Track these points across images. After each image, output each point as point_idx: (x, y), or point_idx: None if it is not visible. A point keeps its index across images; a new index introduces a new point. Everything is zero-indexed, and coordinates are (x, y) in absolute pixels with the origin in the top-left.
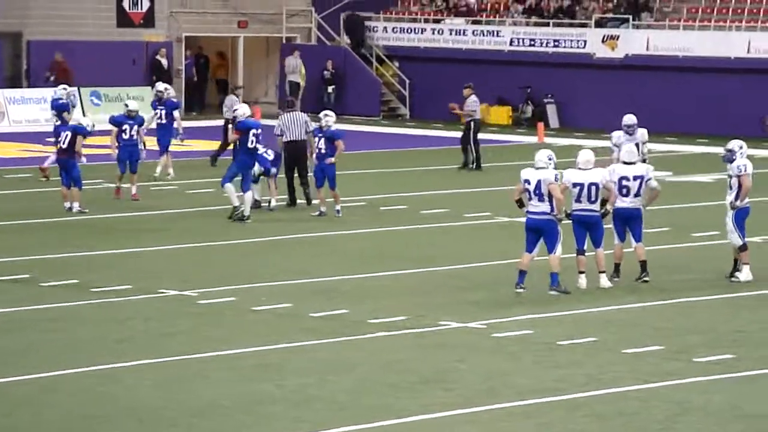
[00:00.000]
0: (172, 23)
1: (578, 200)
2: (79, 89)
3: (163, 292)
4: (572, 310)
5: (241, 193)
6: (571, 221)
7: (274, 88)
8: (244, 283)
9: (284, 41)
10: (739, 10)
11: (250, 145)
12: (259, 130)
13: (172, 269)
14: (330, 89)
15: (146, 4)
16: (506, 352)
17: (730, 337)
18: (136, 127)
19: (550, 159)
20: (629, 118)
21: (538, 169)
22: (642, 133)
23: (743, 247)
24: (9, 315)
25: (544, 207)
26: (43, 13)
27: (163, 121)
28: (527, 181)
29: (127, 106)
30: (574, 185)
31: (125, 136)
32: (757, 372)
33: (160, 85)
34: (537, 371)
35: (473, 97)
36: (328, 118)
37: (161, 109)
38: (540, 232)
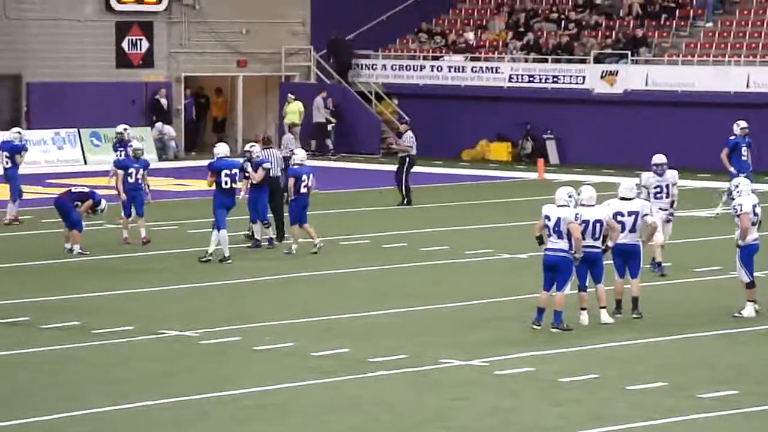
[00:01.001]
0: (171, 63)
1: (585, 237)
2: (79, 130)
3: (164, 333)
4: (574, 347)
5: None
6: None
7: (273, 127)
8: (246, 323)
9: (283, 80)
10: (737, 45)
11: (224, 186)
12: (233, 170)
13: (173, 310)
14: (329, 127)
15: (145, 45)
16: (508, 389)
17: (731, 372)
18: (141, 170)
19: (570, 197)
20: (659, 158)
21: (559, 206)
22: (672, 175)
23: (750, 285)
24: (7, 358)
25: (563, 244)
26: (43, 55)
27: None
28: (547, 218)
29: (131, 145)
30: (580, 222)
31: (131, 180)
32: (760, 408)
33: (138, 144)
34: (539, 408)
35: (410, 134)
36: (295, 156)
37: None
38: (555, 269)
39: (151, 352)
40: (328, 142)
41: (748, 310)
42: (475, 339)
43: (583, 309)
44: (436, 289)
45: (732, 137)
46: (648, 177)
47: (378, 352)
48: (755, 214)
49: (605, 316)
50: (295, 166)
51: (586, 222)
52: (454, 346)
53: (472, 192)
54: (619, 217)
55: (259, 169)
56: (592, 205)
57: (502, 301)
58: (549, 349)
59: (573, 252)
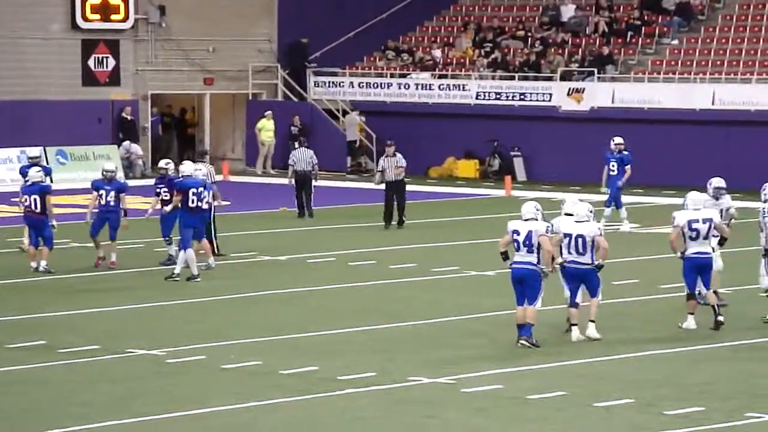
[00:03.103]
0: (137, 81)
1: (568, 251)
2: (44, 149)
3: (131, 352)
4: (541, 364)
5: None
6: (561, 273)
7: (240, 145)
8: (213, 341)
9: (250, 97)
10: (703, 62)
11: (191, 204)
12: (200, 189)
13: (140, 328)
14: (297, 145)
15: (112, 63)
16: (476, 407)
17: (697, 389)
18: (113, 192)
19: (537, 210)
20: (718, 181)
21: (526, 220)
22: (728, 199)
23: (689, 297)
24: None
25: (531, 258)
26: (8, 73)
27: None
28: (516, 232)
29: (103, 167)
30: (565, 236)
31: (102, 202)
32: (725, 425)
33: (110, 165)
34: (508, 426)
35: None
36: (198, 172)
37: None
38: (523, 282)
39: (117, 371)
40: (364, 160)
41: (688, 323)
42: (443, 356)
43: (573, 325)
44: (404, 307)
45: (608, 153)
46: (695, 200)
47: (346, 370)
48: (692, 229)
49: (592, 331)
50: (180, 179)
51: (569, 236)
52: (422, 364)
53: (440, 209)
54: (693, 224)
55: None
56: (585, 221)
57: (470, 318)
58: (517, 366)
59: (541, 266)
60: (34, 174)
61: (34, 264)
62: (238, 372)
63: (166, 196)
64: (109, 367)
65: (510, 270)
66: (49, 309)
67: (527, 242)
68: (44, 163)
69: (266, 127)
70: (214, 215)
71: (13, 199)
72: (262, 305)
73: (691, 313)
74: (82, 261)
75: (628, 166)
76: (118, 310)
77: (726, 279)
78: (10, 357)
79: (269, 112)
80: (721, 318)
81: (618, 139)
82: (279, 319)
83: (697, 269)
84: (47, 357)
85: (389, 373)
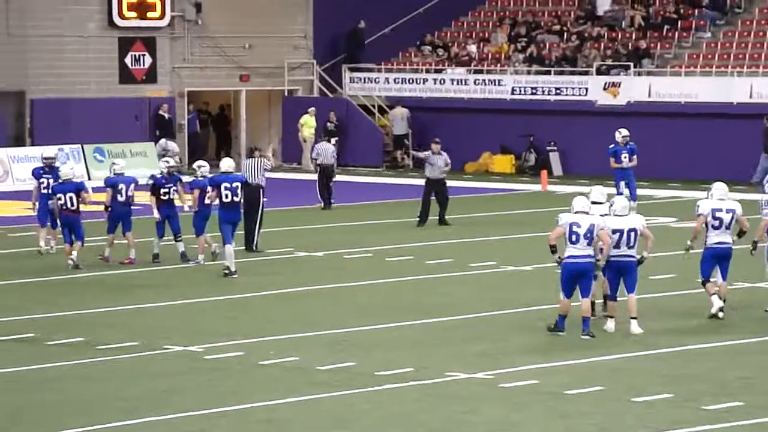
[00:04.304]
0: (174, 78)
1: (617, 246)
2: (83, 146)
3: (169, 348)
4: (579, 359)
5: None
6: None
7: (276, 140)
8: (251, 337)
9: (286, 94)
10: (740, 56)
11: (225, 200)
12: (234, 184)
13: (177, 325)
14: (333, 141)
15: (148, 61)
16: (514, 402)
17: (737, 384)
18: (132, 185)
19: (593, 203)
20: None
21: (586, 213)
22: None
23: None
24: (15, 374)
25: (590, 251)
26: (46, 71)
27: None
28: (576, 224)
29: (116, 164)
30: (614, 231)
31: (121, 197)
32: (766, 420)
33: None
34: (546, 421)
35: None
36: (203, 168)
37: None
38: (583, 275)
39: (155, 367)
40: (400, 155)
41: (713, 304)
42: (480, 352)
43: (610, 317)
44: (441, 302)
45: (611, 145)
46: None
47: (384, 366)
48: (715, 218)
49: (635, 327)
50: (201, 178)
51: (620, 231)
52: (460, 359)
53: (476, 204)
54: (717, 213)
55: (195, 189)
56: (626, 215)
57: (507, 314)
58: (554, 361)
59: (598, 258)
60: (67, 171)
61: (71, 261)
62: (275, 368)
63: (173, 195)
64: (148, 363)
65: (565, 263)
66: (87, 305)
67: (588, 235)
68: (57, 164)
69: (309, 123)
70: (262, 211)
71: (50, 202)
72: (299, 301)
73: (713, 294)
74: (118, 258)
75: (635, 156)
76: (154, 307)
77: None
78: (51, 353)
79: (312, 108)
80: (722, 314)
81: (625, 131)
82: (316, 315)
83: (717, 259)
84: (87, 353)
85: (426, 369)
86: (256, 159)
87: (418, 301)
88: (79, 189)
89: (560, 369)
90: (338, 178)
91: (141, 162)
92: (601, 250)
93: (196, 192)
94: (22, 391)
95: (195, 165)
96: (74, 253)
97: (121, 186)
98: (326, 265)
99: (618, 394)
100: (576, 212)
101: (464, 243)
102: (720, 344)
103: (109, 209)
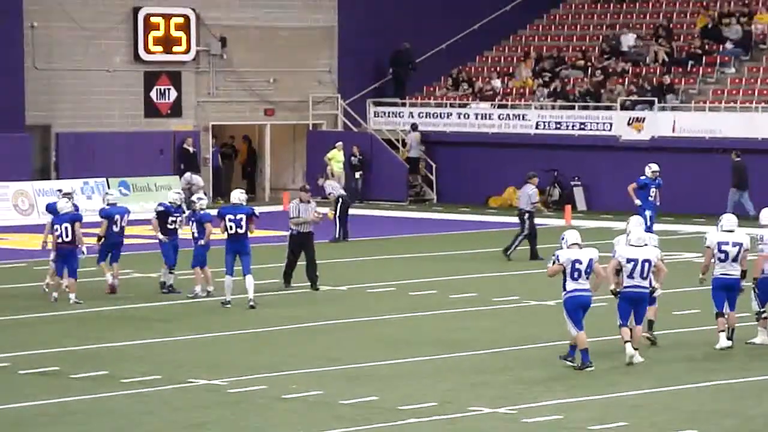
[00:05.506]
0: (199, 112)
1: (630, 276)
2: (107, 180)
3: (192, 382)
4: (601, 395)
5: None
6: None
7: (300, 175)
8: (274, 371)
9: (311, 128)
10: (765, 92)
11: (230, 231)
12: (239, 216)
13: (200, 358)
14: (357, 175)
15: (173, 94)
16: None
17: (761, 420)
18: (126, 216)
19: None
20: None
21: (638, 247)
22: None
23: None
24: (38, 408)
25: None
26: (72, 105)
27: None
28: (578, 261)
29: (109, 194)
30: (628, 261)
31: (115, 228)
32: None
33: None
34: None
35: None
36: (202, 201)
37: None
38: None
39: (179, 401)
40: (422, 189)
41: (721, 342)
42: (503, 386)
43: (627, 342)
44: (464, 336)
45: (642, 177)
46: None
47: (407, 400)
48: (721, 251)
49: (637, 357)
50: (200, 211)
51: (634, 261)
52: (483, 394)
53: (500, 239)
54: (723, 246)
55: (206, 223)
56: (642, 246)
57: (529, 348)
58: (576, 396)
59: (654, 287)
60: (64, 205)
61: (55, 294)
62: (299, 402)
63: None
64: (172, 396)
65: (571, 296)
66: (110, 339)
67: (588, 270)
68: (75, 201)
69: (336, 158)
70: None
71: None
72: (323, 335)
73: (722, 331)
74: (141, 290)
75: (660, 191)
76: (177, 341)
77: None
78: (75, 387)
79: (340, 143)
80: (731, 343)
81: (655, 166)
82: (339, 349)
83: (724, 290)
84: (111, 387)
85: (450, 403)
86: (306, 203)
87: (441, 335)
88: (74, 220)
89: (584, 404)
90: (362, 212)
91: (166, 196)
92: (616, 283)
93: (209, 226)
94: (46, 425)
95: (194, 198)
96: (72, 294)
97: (117, 217)
98: (350, 298)
99: (642, 429)
100: (569, 245)
101: (487, 277)
102: (746, 380)
103: (102, 239)
